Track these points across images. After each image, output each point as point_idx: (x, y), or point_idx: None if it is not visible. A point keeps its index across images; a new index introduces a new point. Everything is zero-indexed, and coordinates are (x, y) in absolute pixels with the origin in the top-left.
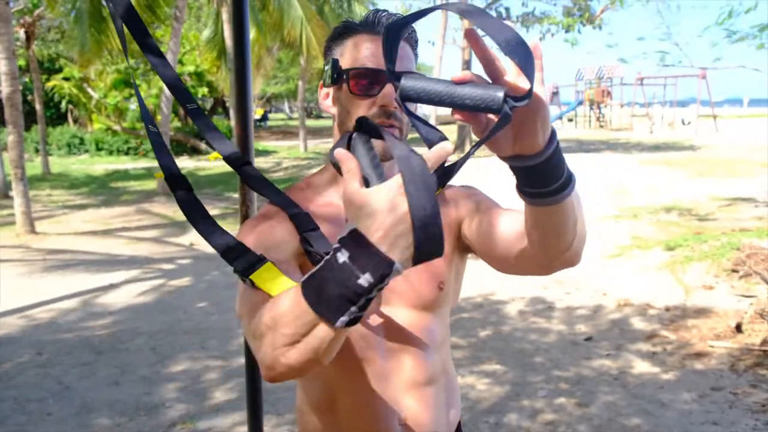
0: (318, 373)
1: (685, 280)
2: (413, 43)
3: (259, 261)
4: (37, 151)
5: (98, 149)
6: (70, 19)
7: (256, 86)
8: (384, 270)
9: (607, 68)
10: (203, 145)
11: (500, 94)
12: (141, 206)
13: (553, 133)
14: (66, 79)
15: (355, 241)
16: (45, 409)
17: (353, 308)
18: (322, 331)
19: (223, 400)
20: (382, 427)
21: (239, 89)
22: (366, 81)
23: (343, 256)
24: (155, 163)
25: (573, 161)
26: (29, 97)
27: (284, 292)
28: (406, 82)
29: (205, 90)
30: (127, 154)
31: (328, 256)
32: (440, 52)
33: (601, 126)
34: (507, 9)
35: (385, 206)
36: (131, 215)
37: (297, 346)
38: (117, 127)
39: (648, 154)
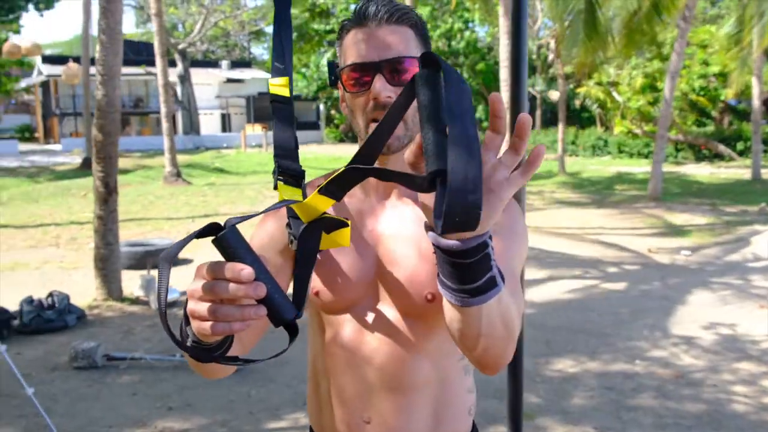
0: (312, 348)
1: None
2: (415, 26)
3: None
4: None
5: (620, 152)
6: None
7: None
8: None
9: None
10: (726, 151)
11: (289, 317)
12: (626, 208)
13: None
14: (599, 84)
15: None
16: None
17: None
18: None
19: (586, 406)
20: (348, 419)
21: (514, 82)
22: (357, 75)
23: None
24: (670, 168)
25: None
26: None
27: None
28: (229, 232)
29: (729, 92)
30: (646, 157)
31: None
32: None
33: None
34: None
35: None
36: (614, 216)
37: None
38: (638, 131)
39: None
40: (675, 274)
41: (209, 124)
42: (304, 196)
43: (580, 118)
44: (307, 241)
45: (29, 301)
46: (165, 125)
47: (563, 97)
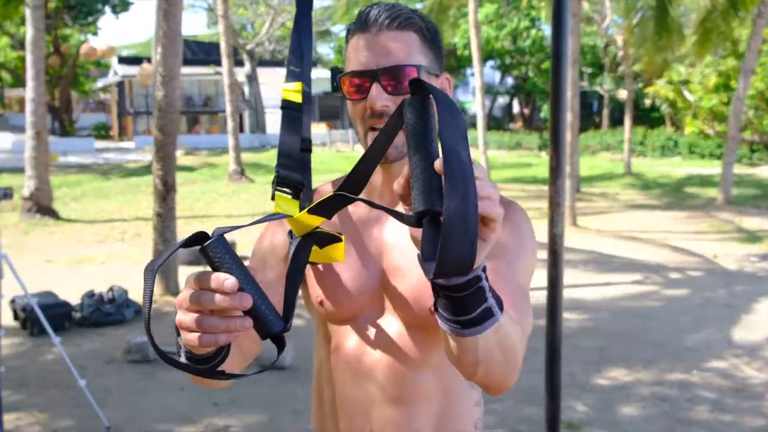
0: (317, 358)
1: None
2: (420, 31)
3: None
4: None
5: (691, 153)
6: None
7: None
8: None
9: None
10: None
11: (275, 330)
12: (693, 212)
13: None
14: (669, 83)
15: None
16: None
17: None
18: None
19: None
20: (351, 430)
21: (555, 81)
22: (356, 83)
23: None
24: (744, 170)
25: None
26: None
27: None
28: (215, 242)
29: None
30: (719, 159)
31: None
32: None
33: None
34: None
35: None
36: (680, 220)
37: None
38: (710, 131)
39: None
40: (741, 281)
41: (276, 122)
42: (302, 206)
43: (649, 117)
44: (299, 254)
45: (90, 294)
46: (230, 124)
47: (630, 95)
